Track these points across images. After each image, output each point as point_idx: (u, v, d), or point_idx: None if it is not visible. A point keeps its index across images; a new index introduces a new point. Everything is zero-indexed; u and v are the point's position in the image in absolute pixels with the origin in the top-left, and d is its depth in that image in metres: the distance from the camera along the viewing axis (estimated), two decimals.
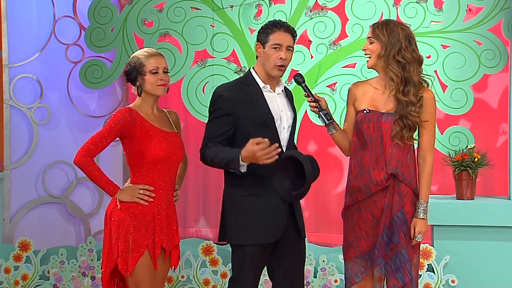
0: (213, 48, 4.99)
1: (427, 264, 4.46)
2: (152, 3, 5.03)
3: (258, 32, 3.34)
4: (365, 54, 3.33)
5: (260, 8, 4.92)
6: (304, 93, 3.29)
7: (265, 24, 3.34)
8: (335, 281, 4.58)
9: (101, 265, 3.37)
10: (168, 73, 3.41)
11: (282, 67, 3.29)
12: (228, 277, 4.67)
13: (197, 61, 5.01)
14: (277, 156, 3.08)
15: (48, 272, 4.82)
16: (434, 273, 4.45)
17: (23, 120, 5.12)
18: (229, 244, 3.44)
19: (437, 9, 4.72)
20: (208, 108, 3.37)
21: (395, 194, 3.27)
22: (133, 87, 3.41)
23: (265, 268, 3.42)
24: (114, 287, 3.42)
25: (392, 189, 3.27)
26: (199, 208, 5.69)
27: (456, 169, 4.45)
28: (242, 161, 3.11)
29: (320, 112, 3.25)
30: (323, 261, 4.61)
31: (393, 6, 4.76)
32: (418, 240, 3.28)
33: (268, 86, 3.33)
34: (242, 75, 4.86)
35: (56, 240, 5.11)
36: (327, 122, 3.26)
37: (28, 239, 4.83)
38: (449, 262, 4.45)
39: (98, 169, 3.30)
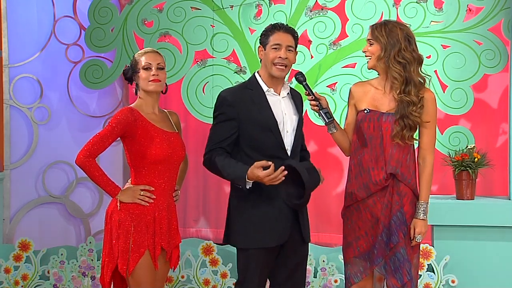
0: (213, 48, 4.99)
1: (427, 264, 4.45)
2: (152, 3, 5.03)
3: (260, 36, 3.38)
4: (366, 56, 3.34)
5: (260, 8, 4.92)
6: (305, 91, 3.30)
7: (266, 27, 3.38)
8: (335, 281, 4.58)
9: (101, 265, 3.36)
10: (165, 70, 3.40)
11: (282, 66, 3.29)
12: (228, 277, 4.67)
13: (197, 61, 5.02)
14: (283, 178, 3.13)
15: (48, 272, 4.81)
16: (434, 273, 4.45)
17: (23, 120, 5.12)
18: (229, 245, 3.44)
19: (437, 9, 4.72)
20: (212, 112, 3.39)
21: (395, 194, 3.27)
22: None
23: None
24: (114, 287, 3.42)
25: (391, 189, 3.27)
26: (199, 208, 5.69)
27: (456, 169, 4.45)
28: (247, 180, 3.17)
29: (321, 111, 3.26)
30: (323, 261, 4.61)
31: (393, 6, 4.76)
32: (418, 241, 3.28)
33: (272, 89, 3.34)
34: (242, 75, 4.92)
35: (56, 240, 5.11)
36: (327, 121, 3.27)
37: (28, 239, 4.83)
38: (449, 262, 4.45)
39: (100, 170, 3.30)
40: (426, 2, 4.72)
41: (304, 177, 3.16)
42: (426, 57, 4.47)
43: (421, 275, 4.39)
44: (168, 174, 3.37)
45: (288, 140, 3.32)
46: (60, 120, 5.27)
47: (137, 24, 5.04)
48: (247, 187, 3.19)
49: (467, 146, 4.56)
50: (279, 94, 3.36)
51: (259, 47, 3.37)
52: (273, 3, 4.91)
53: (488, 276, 4.39)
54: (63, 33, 5.21)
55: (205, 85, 4.99)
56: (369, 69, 3.37)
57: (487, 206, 4.40)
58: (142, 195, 3.31)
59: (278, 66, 3.29)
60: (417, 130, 3.31)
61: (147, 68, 3.34)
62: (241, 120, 3.27)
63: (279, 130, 3.29)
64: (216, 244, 4.77)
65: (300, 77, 3.33)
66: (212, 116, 3.39)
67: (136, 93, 3.40)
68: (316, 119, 4.67)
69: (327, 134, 3.41)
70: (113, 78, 5.12)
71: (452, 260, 4.44)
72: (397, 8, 4.75)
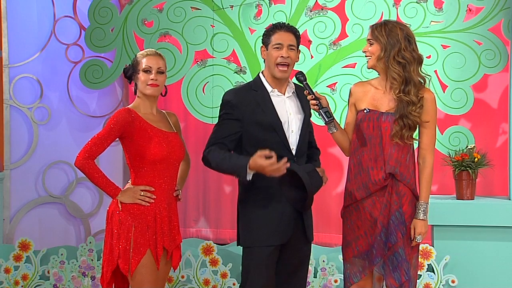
0: (213, 48, 4.99)
1: (427, 264, 4.45)
2: (152, 3, 5.04)
3: (262, 36, 3.39)
4: (366, 56, 3.34)
5: (260, 8, 4.93)
6: (305, 91, 3.30)
7: (267, 27, 3.40)
8: (335, 281, 4.58)
9: (102, 265, 3.36)
10: (165, 74, 3.39)
11: (284, 66, 3.30)
12: (228, 277, 4.67)
13: (197, 61, 5.02)
14: (285, 170, 3.13)
15: (48, 272, 4.81)
16: (434, 273, 4.45)
17: (23, 120, 5.12)
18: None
19: (437, 9, 4.72)
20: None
21: (393, 194, 3.26)
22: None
23: None
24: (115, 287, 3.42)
25: (390, 189, 3.27)
26: (199, 208, 5.69)
27: (456, 169, 4.45)
28: (249, 169, 3.15)
29: (321, 110, 3.25)
30: (323, 261, 4.61)
31: (393, 6, 4.76)
32: (417, 241, 3.28)
33: (276, 90, 3.34)
34: (242, 75, 4.92)
35: (56, 240, 5.11)
36: (327, 120, 3.26)
37: (28, 239, 4.83)
38: (449, 262, 4.45)
39: (99, 171, 3.30)
40: (426, 2, 4.72)
41: (306, 181, 3.20)
42: (426, 57, 4.47)
43: (421, 275, 4.40)
44: (168, 174, 3.37)
45: (293, 140, 3.33)
46: (60, 120, 5.27)
47: (137, 24, 5.04)
48: (248, 178, 3.17)
49: (467, 146, 4.57)
50: (284, 94, 3.37)
51: (261, 47, 3.38)
52: (273, 3, 4.92)
53: (488, 276, 4.39)
54: (63, 33, 5.21)
55: (205, 85, 4.99)
56: (368, 69, 3.37)
57: (487, 206, 4.40)
58: (142, 196, 3.31)
59: (280, 67, 3.30)
60: (417, 130, 3.31)
61: (147, 71, 3.34)
62: (245, 121, 3.28)
63: (284, 130, 3.30)
64: (216, 244, 4.78)
65: (300, 77, 3.33)
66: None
67: (135, 93, 3.41)
68: (316, 119, 4.67)
69: (327, 134, 3.41)
70: (113, 78, 5.13)
71: (452, 260, 4.44)
72: (397, 8, 4.75)
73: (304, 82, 3.32)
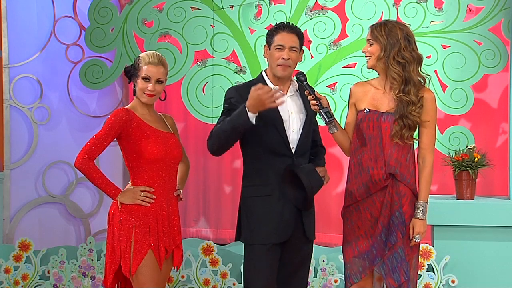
0: (213, 48, 4.99)
1: (427, 264, 4.45)
2: (152, 3, 5.03)
3: (266, 35, 3.40)
4: (365, 56, 3.34)
5: (260, 8, 4.93)
6: (306, 91, 3.30)
7: (271, 27, 3.41)
8: (335, 281, 4.58)
9: (105, 266, 3.37)
10: (164, 82, 3.39)
11: (285, 66, 3.31)
12: (228, 277, 4.67)
13: (197, 61, 5.02)
14: (283, 100, 3.19)
15: (48, 272, 4.81)
16: (434, 273, 4.45)
17: (23, 120, 5.12)
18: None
19: (437, 9, 4.72)
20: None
21: (394, 194, 3.26)
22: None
23: None
24: None
25: (390, 189, 3.27)
26: (199, 208, 5.69)
27: (456, 169, 4.45)
28: (249, 111, 3.14)
29: (321, 110, 3.26)
30: (323, 261, 4.61)
31: (393, 6, 4.76)
32: (416, 241, 3.28)
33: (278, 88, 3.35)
34: (242, 75, 4.92)
35: (56, 240, 5.11)
36: (327, 121, 3.26)
37: (28, 239, 4.83)
38: (449, 262, 4.45)
39: (99, 172, 3.29)
40: (426, 2, 4.72)
41: (305, 182, 3.22)
42: (426, 57, 4.47)
43: (421, 275, 4.40)
44: (166, 174, 3.37)
45: (294, 138, 3.35)
46: (60, 120, 5.27)
47: (137, 24, 5.04)
48: (252, 121, 3.15)
49: (467, 146, 4.57)
50: (286, 93, 3.38)
51: (264, 46, 3.40)
52: (273, 3, 4.92)
53: (488, 276, 4.39)
54: (63, 33, 5.21)
55: (205, 85, 4.99)
56: (368, 69, 3.37)
57: (487, 206, 4.40)
58: (142, 196, 3.32)
59: (281, 67, 3.31)
60: (417, 130, 3.31)
61: (146, 79, 3.34)
62: None
63: (284, 129, 3.32)
64: (216, 244, 4.78)
65: (301, 77, 3.34)
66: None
67: (134, 93, 3.41)
68: (317, 119, 4.67)
69: (327, 134, 3.41)
70: (113, 78, 5.13)
71: (452, 260, 4.44)
72: (397, 8, 4.75)
73: (305, 82, 3.32)
